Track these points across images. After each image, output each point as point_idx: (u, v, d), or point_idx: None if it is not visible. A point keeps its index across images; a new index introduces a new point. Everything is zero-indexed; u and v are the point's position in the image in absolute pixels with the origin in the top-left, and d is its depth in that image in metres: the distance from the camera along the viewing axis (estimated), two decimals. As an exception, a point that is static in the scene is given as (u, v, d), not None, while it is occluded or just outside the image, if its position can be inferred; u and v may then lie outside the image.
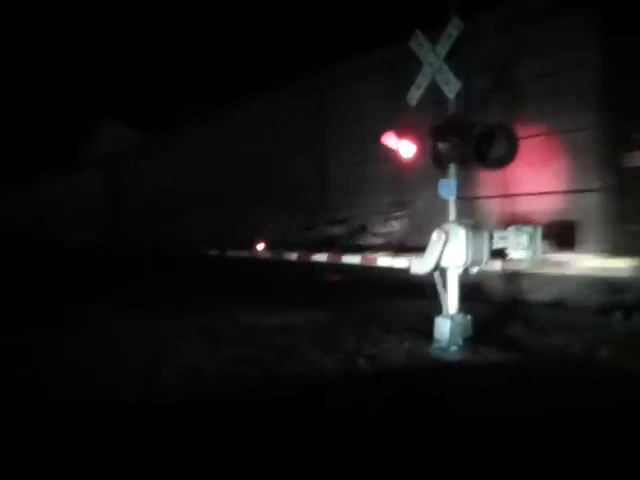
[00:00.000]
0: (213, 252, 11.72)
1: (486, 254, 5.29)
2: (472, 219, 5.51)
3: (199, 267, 11.95)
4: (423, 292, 5.97)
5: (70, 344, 5.62)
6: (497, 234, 5.39)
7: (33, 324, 6.62)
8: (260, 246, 9.86)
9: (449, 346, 5.12)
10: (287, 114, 11.13)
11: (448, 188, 5.38)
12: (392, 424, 3.49)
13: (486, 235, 5.31)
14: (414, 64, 5.54)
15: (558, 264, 6.53)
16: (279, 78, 11.69)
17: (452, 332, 5.13)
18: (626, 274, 6.08)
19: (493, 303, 7.10)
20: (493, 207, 7.41)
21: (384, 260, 8.25)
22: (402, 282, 7.30)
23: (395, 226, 8.80)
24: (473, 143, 5.29)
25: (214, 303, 8.02)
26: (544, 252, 5.59)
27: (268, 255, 10.75)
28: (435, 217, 5.62)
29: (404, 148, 5.93)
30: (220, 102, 14.79)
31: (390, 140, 5.98)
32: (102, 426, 3.45)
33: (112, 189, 17.94)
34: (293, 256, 10.02)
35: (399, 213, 8.80)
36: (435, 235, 5.27)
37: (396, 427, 3.43)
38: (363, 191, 9.44)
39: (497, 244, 5.38)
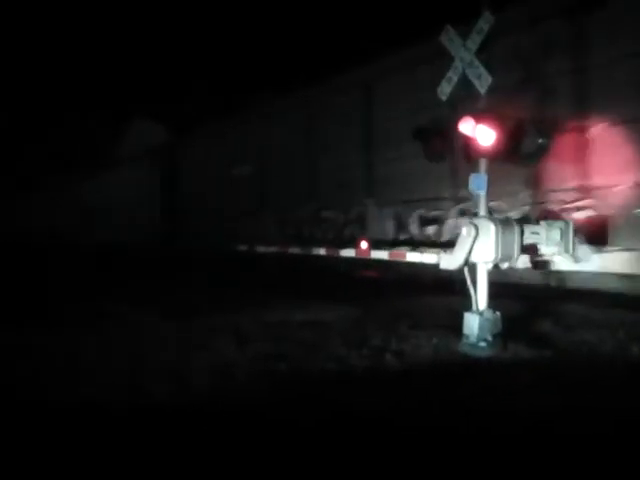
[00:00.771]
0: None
1: (517, 249, 5.24)
2: (503, 214, 5.44)
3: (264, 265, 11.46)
4: (453, 288, 5.94)
5: (103, 345, 5.69)
6: (528, 229, 5.33)
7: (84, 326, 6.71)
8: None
9: (478, 342, 5.08)
10: (335, 107, 10.56)
11: (478, 183, 5.34)
12: (419, 424, 3.48)
13: (517, 230, 5.25)
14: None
15: (589, 260, 6.43)
16: (326, 70, 11.32)
17: (481, 328, 5.09)
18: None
19: (523, 299, 7.02)
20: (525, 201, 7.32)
21: (413, 255, 8.22)
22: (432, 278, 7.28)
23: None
24: (506, 137, 5.22)
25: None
26: (576, 248, 5.51)
27: (298, 251, 10.73)
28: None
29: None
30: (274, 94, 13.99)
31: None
32: (132, 425, 3.48)
33: (169, 183, 16.20)
34: (321, 251, 10.03)
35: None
36: (465, 230, 5.23)
37: (423, 427, 3.42)
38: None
39: (528, 239, 5.32)
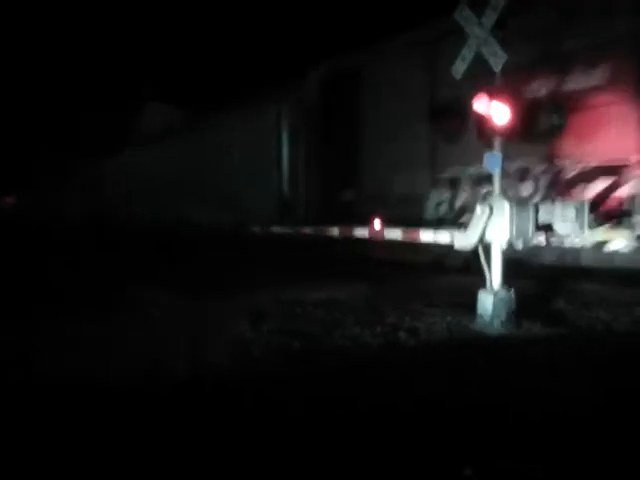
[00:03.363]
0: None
1: (531, 228, 5.24)
2: (517, 193, 5.43)
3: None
4: (467, 266, 5.95)
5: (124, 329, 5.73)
6: (543, 208, 5.32)
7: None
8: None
9: (492, 320, 5.11)
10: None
11: (493, 161, 5.33)
12: (432, 399, 3.51)
13: (531, 209, 5.25)
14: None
15: (605, 239, 6.42)
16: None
17: (495, 306, 5.11)
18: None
19: (538, 278, 7.03)
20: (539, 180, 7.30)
21: (427, 235, 8.24)
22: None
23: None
24: (519, 116, 5.19)
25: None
26: (591, 227, 5.50)
27: (310, 231, 10.73)
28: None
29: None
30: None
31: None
32: (155, 402, 3.55)
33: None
34: (335, 232, 10.06)
35: None
36: (479, 209, 5.24)
37: (435, 402, 3.45)
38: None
39: (543, 218, 5.31)
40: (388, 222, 8.99)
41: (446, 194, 8.85)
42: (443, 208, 8.92)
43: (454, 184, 8.67)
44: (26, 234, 18.31)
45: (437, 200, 9.04)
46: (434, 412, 3.28)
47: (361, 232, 9.48)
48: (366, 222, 9.25)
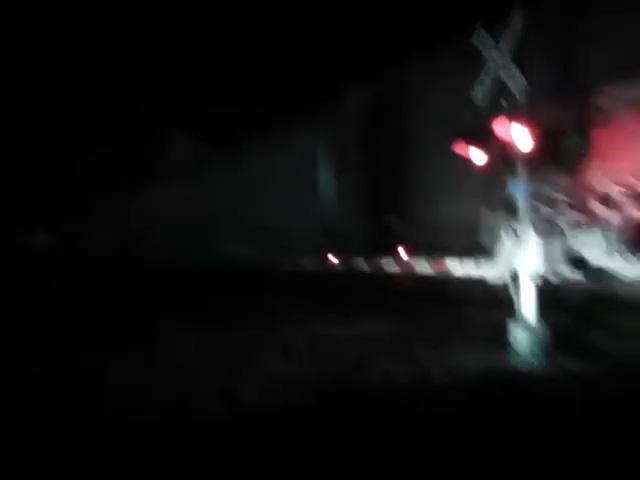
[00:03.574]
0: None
1: (561, 257, 5.03)
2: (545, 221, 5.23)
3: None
4: (497, 299, 5.74)
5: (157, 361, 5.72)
6: (572, 236, 5.11)
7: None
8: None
9: (526, 355, 4.88)
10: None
11: (519, 188, 5.14)
12: (467, 438, 3.31)
13: (560, 238, 5.04)
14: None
15: (635, 265, 6.11)
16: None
17: (528, 341, 4.88)
18: None
19: (571, 308, 6.74)
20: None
21: (454, 266, 8.02)
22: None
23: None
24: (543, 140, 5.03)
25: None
26: (621, 253, 5.26)
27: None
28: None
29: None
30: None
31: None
32: (185, 439, 3.49)
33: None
34: (364, 265, 9.90)
35: None
36: (506, 239, 5.06)
37: (469, 441, 3.26)
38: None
39: (572, 246, 5.09)
40: (432, 251, 8.70)
41: (502, 219, 8.56)
42: (498, 234, 8.62)
43: (509, 209, 8.37)
44: (58, 270, 18.78)
45: (492, 226, 8.76)
46: (468, 451, 3.10)
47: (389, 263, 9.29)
48: (411, 251, 8.97)
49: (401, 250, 8.93)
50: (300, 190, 13.29)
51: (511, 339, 5.00)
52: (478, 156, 5.37)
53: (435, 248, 8.64)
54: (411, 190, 10.55)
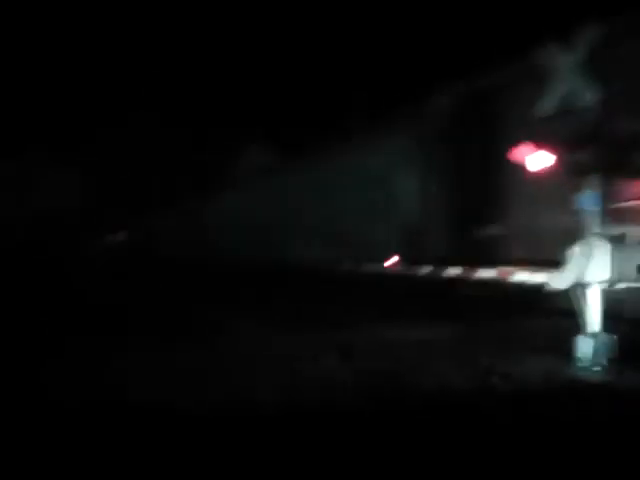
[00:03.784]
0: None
1: (635, 269, 4.96)
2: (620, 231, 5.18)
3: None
4: (562, 309, 5.69)
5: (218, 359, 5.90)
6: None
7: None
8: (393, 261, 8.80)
9: (591, 367, 4.85)
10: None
11: (591, 200, 5.12)
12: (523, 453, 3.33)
13: (635, 248, 4.99)
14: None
15: None
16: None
17: (595, 352, 4.85)
18: None
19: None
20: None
21: (520, 274, 7.93)
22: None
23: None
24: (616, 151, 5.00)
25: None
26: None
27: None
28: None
29: (538, 160, 5.29)
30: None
31: (523, 153, 5.34)
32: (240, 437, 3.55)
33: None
34: (424, 270, 9.83)
35: None
36: (577, 248, 5.04)
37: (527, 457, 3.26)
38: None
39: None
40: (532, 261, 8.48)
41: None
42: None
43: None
44: (136, 270, 19.44)
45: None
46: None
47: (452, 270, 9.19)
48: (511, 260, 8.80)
49: (495, 261, 8.67)
50: (379, 194, 13.18)
51: (577, 349, 4.98)
52: (543, 160, 5.26)
53: (533, 259, 8.45)
54: (505, 197, 10.23)
